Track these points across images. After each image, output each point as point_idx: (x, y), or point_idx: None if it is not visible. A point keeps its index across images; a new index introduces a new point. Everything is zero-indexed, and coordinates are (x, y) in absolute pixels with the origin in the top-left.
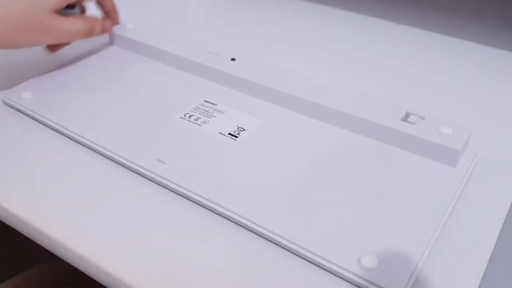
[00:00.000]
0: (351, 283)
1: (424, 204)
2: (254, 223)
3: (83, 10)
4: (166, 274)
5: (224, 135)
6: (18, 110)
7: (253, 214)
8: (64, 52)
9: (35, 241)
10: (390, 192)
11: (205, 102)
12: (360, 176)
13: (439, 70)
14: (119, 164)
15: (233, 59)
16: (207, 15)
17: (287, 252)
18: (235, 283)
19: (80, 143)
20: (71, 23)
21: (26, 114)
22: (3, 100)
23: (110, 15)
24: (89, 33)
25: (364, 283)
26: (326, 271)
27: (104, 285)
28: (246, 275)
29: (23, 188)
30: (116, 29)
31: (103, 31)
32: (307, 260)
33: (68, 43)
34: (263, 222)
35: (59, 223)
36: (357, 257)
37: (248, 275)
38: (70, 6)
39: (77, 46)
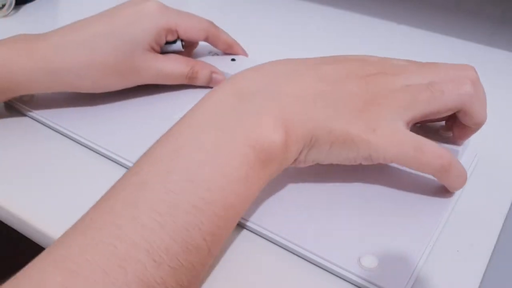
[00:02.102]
0: (351, 283)
1: (424, 204)
2: (253, 223)
3: (192, 46)
4: None
5: None
6: (18, 110)
7: (253, 214)
8: None
9: (35, 241)
10: (390, 192)
11: None
12: (360, 176)
13: None
14: (119, 164)
15: (233, 59)
16: (207, 15)
17: (286, 252)
18: (234, 283)
19: (80, 144)
20: (168, 64)
21: (26, 115)
22: None
23: (231, 51)
24: (190, 78)
25: (364, 283)
26: (326, 271)
27: None
28: (245, 275)
29: (23, 188)
30: None
31: (211, 81)
32: (306, 260)
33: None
34: (262, 222)
35: (59, 223)
36: (357, 257)
37: (247, 275)
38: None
39: None
